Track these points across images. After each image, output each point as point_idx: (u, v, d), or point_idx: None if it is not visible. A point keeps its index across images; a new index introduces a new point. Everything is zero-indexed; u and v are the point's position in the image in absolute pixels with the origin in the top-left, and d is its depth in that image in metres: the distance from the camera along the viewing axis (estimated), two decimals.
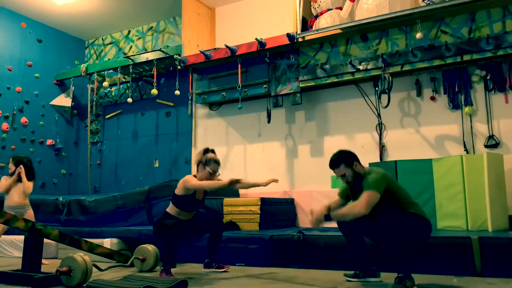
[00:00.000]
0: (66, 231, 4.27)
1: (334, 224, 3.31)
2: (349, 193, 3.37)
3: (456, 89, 5.04)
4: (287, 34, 5.41)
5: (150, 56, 6.68)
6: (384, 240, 3.02)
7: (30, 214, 4.83)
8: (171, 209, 3.87)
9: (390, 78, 4.98)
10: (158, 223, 3.83)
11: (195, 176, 3.88)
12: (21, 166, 4.85)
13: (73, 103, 7.86)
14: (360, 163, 3.25)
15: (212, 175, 3.87)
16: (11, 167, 4.89)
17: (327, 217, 3.02)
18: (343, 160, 3.23)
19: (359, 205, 2.95)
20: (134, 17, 7.47)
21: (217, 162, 3.89)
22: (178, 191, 3.82)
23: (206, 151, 3.91)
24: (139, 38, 7.79)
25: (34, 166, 5.11)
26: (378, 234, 3.12)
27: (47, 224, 3.98)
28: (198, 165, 3.90)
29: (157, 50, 6.65)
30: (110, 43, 8.15)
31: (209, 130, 6.73)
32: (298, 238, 4.16)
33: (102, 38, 8.27)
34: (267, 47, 5.61)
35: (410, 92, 5.34)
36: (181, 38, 6.63)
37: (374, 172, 3.13)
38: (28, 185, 4.87)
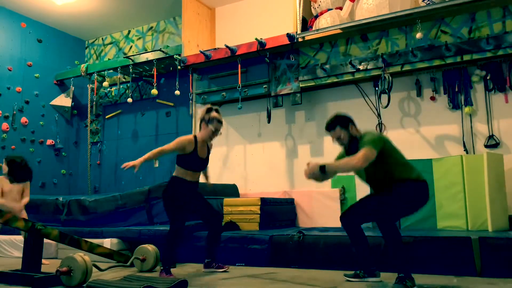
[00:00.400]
0: (66, 231, 4.27)
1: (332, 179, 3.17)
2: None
3: (456, 89, 5.04)
4: (287, 34, 5.41)
5: (150, 56, 6.68)
6: (386, 215, 3.03)
7: (23, 215, 4.81)
8: (177, 171, 3.86)
9: (390, 78, 4.98)
10: (164, 194, 3.85)
11: (195, 136, 3.86)
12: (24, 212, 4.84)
13: (73, 103, 7.87)
14: (355, 126, 3.27)
15: (215, 134, 3.88)
16: (4, 167, 4.88)
17: (323, 169, 2.98)
18: (339, 122, 3.25)
19: (356, 159, 2.94)
20: (134, 17, 7.48)
21: (220, 122, 3.88)
22: (178, 151, 3.85)
23: (210, 109, 3.89)
24: (139, 38, 7.79)
25: (32, 166, 5.08)
26: (380, 211, 3.09)
27: (47, 224, 3.98)
28: (201, 123, 3.90)
29: (157, 50, 6.65)
30: (110, 43, 8.15)
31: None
32: (298, 238, 4.16)
33: (102, 38, 8.27)
34: (267, 47, 5.61)
35: (410, 92, 5.35)
36: (181, 38, 6.64)
37: (370, 133, 3.17)
38: (26, 200, 4.89)
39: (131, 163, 3.57)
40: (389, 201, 3.04)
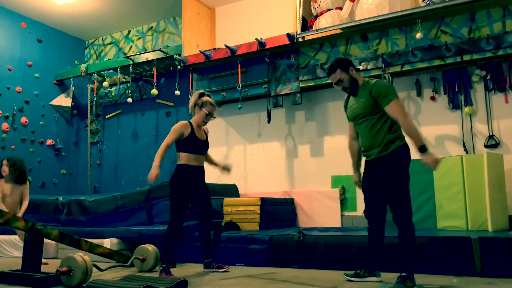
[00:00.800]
0: (66, 231, 4.27)
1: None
2: (347, 107, 3.42)
3: (456, 89, 5.04)
4: (287, 34, 5.40)
5: (150, 56, 6.68)
6: (397, 191, 3.05)
7: None
8: (180, 158, 3.87)
9: (390, 78, 4.98)
10: (171, 182, 3.85)
11: (190, 122, 3.91)
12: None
13: (73, 103, 7.87)
14: (355, 70, 3.31)
15: (209, 117, 3.94)
16: (5, 169, 4.89)
17: (425, 148, 2.99)
18: (339, 65, 3.30)
19: (402, 120, 3.03)
20: (134, 17, 7.47)
21: (213, 104, 3.96)
22: (178, 138, 3.88)
23: (202, 94, 3.98)
24: (139, 38, 7.79)
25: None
26: (388, 191, 3.09)
27: (47, 224, 3.98)
28: (194, 108, 3.96)
29: (157, 50, 6.65)
30: (110, 43, 8.15)
31: (209, 130, 6.71)
32: (298, 238, 4.16)
33: (102, 38, 8.27)
34: (267, 47, 5.61)
35: (410, 92, 5.34)
36: (181, 38, 6.64)
37: (379, 81, 3.20)
38: (26, 203, 4.96)
39: (154, 175, 3.60)
40: (392, 177, 3.06)
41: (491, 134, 4.85)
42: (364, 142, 3.27)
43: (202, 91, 4.05)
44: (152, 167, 3.64)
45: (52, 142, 7.59)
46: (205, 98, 3.95)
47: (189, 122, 3.93)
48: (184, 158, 3.85)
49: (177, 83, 6.44)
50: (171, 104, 7.10)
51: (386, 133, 3.13)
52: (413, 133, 3.02)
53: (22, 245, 3.88)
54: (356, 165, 3.50)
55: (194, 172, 3.87)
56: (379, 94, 3.11)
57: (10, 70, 7.09)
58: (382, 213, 3.22)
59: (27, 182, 5.08)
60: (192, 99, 4.00)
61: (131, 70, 6.88)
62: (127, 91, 7.53)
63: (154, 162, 3.68)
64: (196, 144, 3.89)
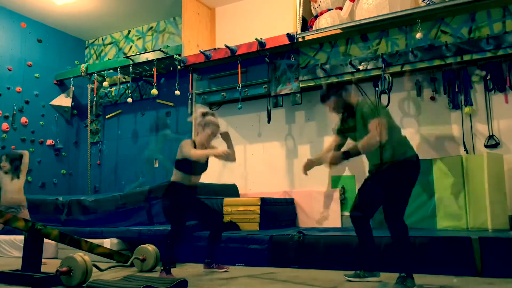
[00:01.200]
0: (66, 231, 4.26)
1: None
2: (343, 128, 3.40)
3: (456, 89, 5.03)
4: (287, 34, 5.41)
5: (150, 56, 6.68)
6: (393, 203, 3.04)
7: (24, 214, 4.82)
8: (175, 175, 3.82)
9: (390, 78, 4.98)
10: (163, 201, 3.83)
11: (194, 141, 3.86)
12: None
13: (73, 103, 7.87)
14: (347, 92, 3.31)
15: (212, 137, 3.89)
16: (5, 164, 4.90)
17: (347, 155, 3.01)
18: (331, 93, 3.32)
19: (372, 135, 2.97)
20: (134, 17, 7.48)
21: (216, 125, 3.89)
22: (178, 156, 3.80)
23: (206, 114, 3.89)
24: (139, 38, 7.79)
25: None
26: (385, 201, 3.09)
27: (47, 224, 3.98)
28: (197, 128, 3.91)
29: (157, 50, 6.65)
30: (110, 43, 8.15)
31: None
32: (298, 238, 4.16)
33: (102, 38, 8.27)
34: (267, 47, 5.61)
35: (410, 92, 5.34)
36: (181, 38, 6.64)
37: (367, 104, 3.18)
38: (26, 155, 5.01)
39: (224, 150, 3.70)
40: (392, 189, 3.03)
41: (491, 134, 4.85)
42: (372, 160, 3.24)
43: (205, 110, 3.93)
44: (213, 153, 3.68)
45: (52, 142, 7.59)
46: (209, 118, 3.85)
47: (193, 142, 3.85)
48: (179, 176, 3.80)
49: (177, 83, 6.43)
50: (171, 104, 7.10)
51: (394, 148, 3.08)
52: (364, 149, 3.03)
53: (22, 245, 3.88)
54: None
55: (187, 192, 3.83)
56: (362, 114, 3.11)
57: (10, 70, 7.09)
58: (372, 214, 3.30)
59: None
60: (196, 118, 3.90)
61: (131, 70, 6.88)
62: (127, 91, 7.53)
63: (209, 152, 3.71)
64: (196, 165, 3.80)
